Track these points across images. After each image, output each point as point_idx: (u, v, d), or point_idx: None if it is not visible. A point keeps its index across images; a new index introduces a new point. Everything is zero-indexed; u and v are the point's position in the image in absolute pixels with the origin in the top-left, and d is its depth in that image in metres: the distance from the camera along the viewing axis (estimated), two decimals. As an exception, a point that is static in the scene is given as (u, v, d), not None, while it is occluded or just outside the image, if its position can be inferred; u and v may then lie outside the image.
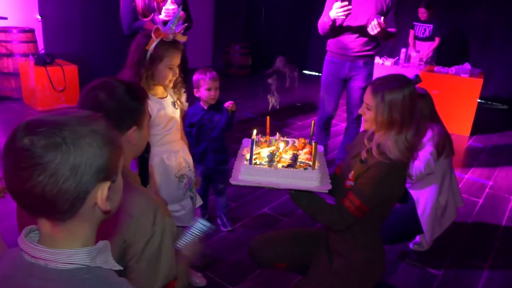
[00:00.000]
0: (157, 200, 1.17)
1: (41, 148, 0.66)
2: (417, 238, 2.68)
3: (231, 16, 8.00)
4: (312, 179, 1.59)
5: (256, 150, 1.77)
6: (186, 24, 1.80)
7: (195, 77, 2.42)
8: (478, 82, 5.14)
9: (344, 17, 3.05)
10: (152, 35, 1.70)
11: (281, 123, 5.11)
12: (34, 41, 5.12)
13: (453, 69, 5.35)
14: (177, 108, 1.91)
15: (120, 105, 1.16)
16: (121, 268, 0.80)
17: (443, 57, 6.41)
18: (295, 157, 1.70)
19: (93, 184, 0.71)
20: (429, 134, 2.36)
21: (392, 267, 2.50)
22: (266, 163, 1.63)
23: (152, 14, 2.73)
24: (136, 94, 1.21)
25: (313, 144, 1.65)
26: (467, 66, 5.41)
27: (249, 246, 1.91)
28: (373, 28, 3.03)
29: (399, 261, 2.57)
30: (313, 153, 1.65)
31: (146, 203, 1.12)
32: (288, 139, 1.95)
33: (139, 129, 1.20)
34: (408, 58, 5.90)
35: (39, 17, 5.39)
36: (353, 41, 3.28)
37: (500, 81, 6.93)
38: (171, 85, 1.85)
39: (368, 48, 3.33)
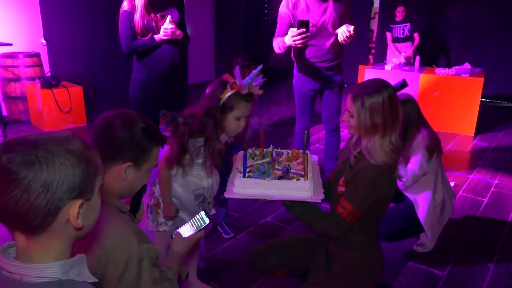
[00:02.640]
0: (134, 228, 1.18)
1: (17, 165, 0.70)
2: (420, 239, 2.69)
3: (231, 29, 8.12)
4: (304, 190, 1.63)
5: (251, 163, 1.82)
6: (264, 80, 1.82)
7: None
8: (479, 82, 5.14)
9: (301, 46, 2.88)
10: (228, 86, 1.73)
11: (286, 132, 5.15)
12: (40, 65, 5.26)
13: (453, 69, 5.36)
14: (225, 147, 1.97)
15: (129, 138, 1.18)
16: (96, 280, 0.83)
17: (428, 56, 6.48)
18: (286, 169, 1.74)
19: (64, 201, 0.75)
20: (418, 137, 2.40)
21: (397, 269, 2.51)
22: (259, 176, 1.67)
23: (151, 34, 2.81)
24: (151, 135, 1.23)
25: (305, 155, 1.69)
26: (467, 66, 5.42)
27: (249, 255, 1.95)
28: (346, 40, 2.91)
29: (403, 262, 2.58)
30: (305, 163, 1.70)
31: (121, 234, 1.12)
32: (282, 151, 1.99)
33: (135, 168, 1.20)
34: (391, 64, 5.75)
35: (44, 41, 5.55)
36: (325, 53, 3.14)
37: (503, 78, 6.92)
38: (234, 134, 1.88)
39: (339, 55, 3.23)
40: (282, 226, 2.98)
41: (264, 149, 1.97)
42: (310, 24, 2.87)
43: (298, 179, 1.66)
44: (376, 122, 1.58)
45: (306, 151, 1.91)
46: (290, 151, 1.99)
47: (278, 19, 3.13)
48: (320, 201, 1.61)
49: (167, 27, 2.77)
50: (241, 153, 2.02)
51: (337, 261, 1.78)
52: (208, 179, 1.97)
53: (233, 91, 1.73)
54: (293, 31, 2.83)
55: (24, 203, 0.71)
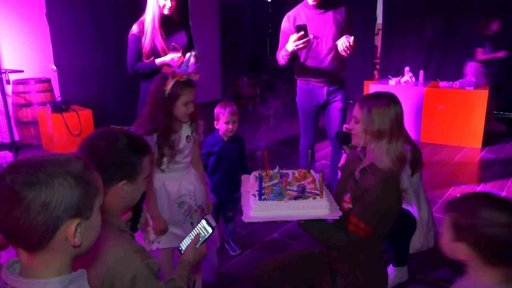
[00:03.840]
0: (135, 246, 1.21)
1: (19, 185, 0.75)
2: None
3: (237, 50, 8.26)
4: (322, 208, 1.64)
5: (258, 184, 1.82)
6: (198, 64, 1.99)
7: (216, 110, 2.60)
8: (484, 94, 5.15)
9: (303, 48, 2.99)
10: (169, 76, 1.88)
11: (291, 149, 5.18)
12: (51, 90, 5.40)
13: (457, 83, 5.38)
14: (189, 142, 2.03)
15: (117, 157, 1.18)
16: None
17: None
18: (302, 188, 1.75)
19: (63, 220, 0.79)
20: None
21: (404, 284, 2.50)
22: (275, 198, 1.68)
23: (153, 57, 2.92)
24: (137, 149, 1.23)
25: (320, 173, 1.72)
26: (471, 79, 5.44)
27: (254, 272, 1.96)
28: (346, 50, 2.96)
29: (410, 275, 2.56)
30: (320, 181, 1.72)
31: (124, 254, 1.16)
32: (288, 171, 2.01)
33: (131, 183, 1.21)
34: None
35: (54, 67, 5.70)
36: (327, 66, 3.19)
37: (510, 90, 6.88)
38: (186, 119, 1.98)
39: (341, 69, 3.27)
40: (288, 242, 2.99)
41: (270, 171, 2.00)
42: (310, 35, 2.94)
43: (314, 198, 1.68)
44: (383, 128, 1.62)
45: (310, 170, 1.96)
46: (296, 171, 2.01)
47: (280, 34, 3.22)
48: (338, 218, 1.64)
49: (174, 56, 2.87)
50: (245, 176, 2.07)
51: (341, 275, 1.79)
52: (186, 184, 2.02)
53: (175, 79, 1.87)
54: (293, 36, 2.92)
55: (24, 221, 0.76)
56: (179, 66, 1.95)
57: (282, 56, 3.13)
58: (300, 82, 3.39)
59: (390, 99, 1.68)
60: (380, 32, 8.15)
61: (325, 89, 3.28)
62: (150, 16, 2.91)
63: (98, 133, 1.24)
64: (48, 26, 5.53)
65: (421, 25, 7.29)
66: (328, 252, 1.88)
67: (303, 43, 2.90)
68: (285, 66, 3.21)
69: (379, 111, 1.64)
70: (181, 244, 1.43)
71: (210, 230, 1.41)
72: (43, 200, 0.76)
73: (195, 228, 1.43)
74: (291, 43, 2.94)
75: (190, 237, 1.42)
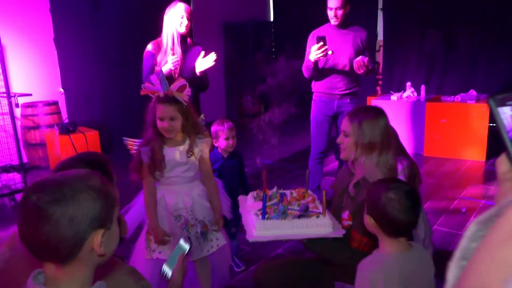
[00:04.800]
0: (127, 269, 1.24)
1: (46, 203, 0.81)
2: None
3: (240, 68, 8.38)
4: (325, 226, 1.68)
5: (258, 205, 1.84)
6: (185, 83, 2.05)
7: (213, 128, 2.66)
8: (486, 107, 5.18)
9: (323, 57, 3.28)
10: (150, 94, 2.03)
11: (296, 165, 5.22)
12: (58, 112, 5.51)
13: (458, 97, 5.43)
14: (189, 156, 2.08)
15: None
16: None
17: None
18: (306, 207, 1.78)
19: (89, 232, 0.84)
20: (399, 167, 2.39)
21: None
22: (279, 217, 1.71)
23: (160, 68, 3.05)
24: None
25: (324, 191, 1.75)
26: (472, 92, 5.49)
27: (253, 274, 1.98)
28: (360, 67, 3.25)
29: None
30: (323, 200, 1.74)
31: (118, 278, 1.19)
32: (285, 191, 2.05)
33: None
34: None
35: (62, 90, 5.83)
36: (339, 81, 3.51)
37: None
38: (169, 134, 2.04)
39: (353, 85, 3.56)
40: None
41: (269, 190, 2.03)
42: (329, 50, 3.25)
43: (317, 216, 1.71)
44: (374, 140, 1.67)
45: (308, 190, 2.00)
46: (294, 191, 2.05)
47: (306, 50, 3.50)
48: (342, 236, 1.67)
49: (173, 59, 3.00)
50: (242, 197, 2.13)
51: (341, 281, 1.81)
52: (184, 198, 2.08)
53: (154, 95, 2.01)
54: (314, 47, 3.26)
55: (54, 236, 0.81)
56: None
57: (307, 67, 3.44)
58: (315, 95, 3.68)
59: (378, 112, 1.74)
60: (382, 48, 8.24)
61: (336, 102, 3.55)
62: (168, 34, 3.06)
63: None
64: (56, 51, 5.68)
65: (422, 41, 7.36)
66: (331, 267, 1.89)
67: (322, 52, 3.21)
68: (310, 77, 3.54)
69: (370, 123, 1.69)
70: (164, 267, 1.39)
71: (186, 247, 1.40)
72: (70, 214, 0.82)
73: (174, 251, 1.42)
74: (312, 53, 3.26)
75: (172, 260, 1.39)
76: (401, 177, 2.38)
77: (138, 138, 2.17)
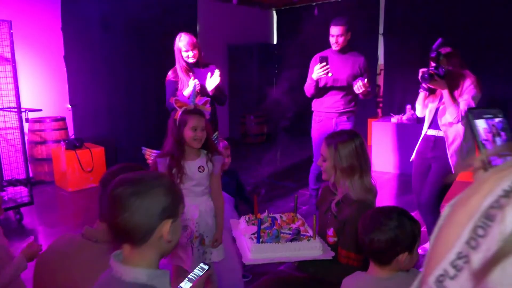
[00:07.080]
0: None
1: (128, 195, 0.98)
2: None
3: (244, 89, 8.55)
4: (316, 248, 1.77)
5: (252, 229, 1.95)
6: (208, 99, 2.25)
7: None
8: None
9: (324, 75, 3.49)
10: (176, 107, 2.13)
11: (297, 184, 5.28)
12: (65, 128, 5.62)
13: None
14: (201, 171, 2.14)
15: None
16: None
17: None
18: (297, 231, 1.88)
19: (159, 221, 1.00)
20: (467, 81, 2.60)
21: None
22: (272, 240, 1.80)
23: (181, 91, 3.27)
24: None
25: (314, 216, 1.85)
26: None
27: None
28: (359, 88, 3.43)
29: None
30: (313, 224, 1.84)
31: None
32: (275, 215, 2.13)
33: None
34: None
35: (70, 106, 5.96)
36: (337, 101, 3.71)
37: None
38: (196, 144, 2.12)
39: (351, 105, 3.75)
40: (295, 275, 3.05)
41: (260, 214, 2.12)
42: (329, 72, 3.48)
43: (308, 240, 1.80)
44: (352, 164, 1.76)
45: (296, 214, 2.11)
46: (283, 215, 2.13)
47: (309, 71, 3.68)
48: (331, 258, 1.75)
49: (195, 82, 3.20)
50: (233, 220, 2.23)
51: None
52: (192, 210, 2.13)
53: (182, 109, 2.11)
54: (317, 66, 3.50)
55: (131, 222, 0.98)
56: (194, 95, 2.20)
57: (308, 86, 3.64)
58: (314, 114, 3.87)
59: (352, 134, 1.84)
60: (382, 72, 8.42)
61: (334, 120, 3.73)
62: (180, 66, 3.38)
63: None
64: (65, 68, 5.84)
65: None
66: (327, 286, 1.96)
67: (324, 70, 3.45)
68: (312, 96, 3.73)
69: (344, 145, 1.78)
70: (181, 285, 1.38)
71: (205, 267, 1.40)
72: (146, 205, 0.98)
73: (192, 272, 1.39)
74: (315, 71, 3.50)
75: (190, 279, 1.38)
76: (470, 89, 2.60)
77: (156, 149, 2.29)
